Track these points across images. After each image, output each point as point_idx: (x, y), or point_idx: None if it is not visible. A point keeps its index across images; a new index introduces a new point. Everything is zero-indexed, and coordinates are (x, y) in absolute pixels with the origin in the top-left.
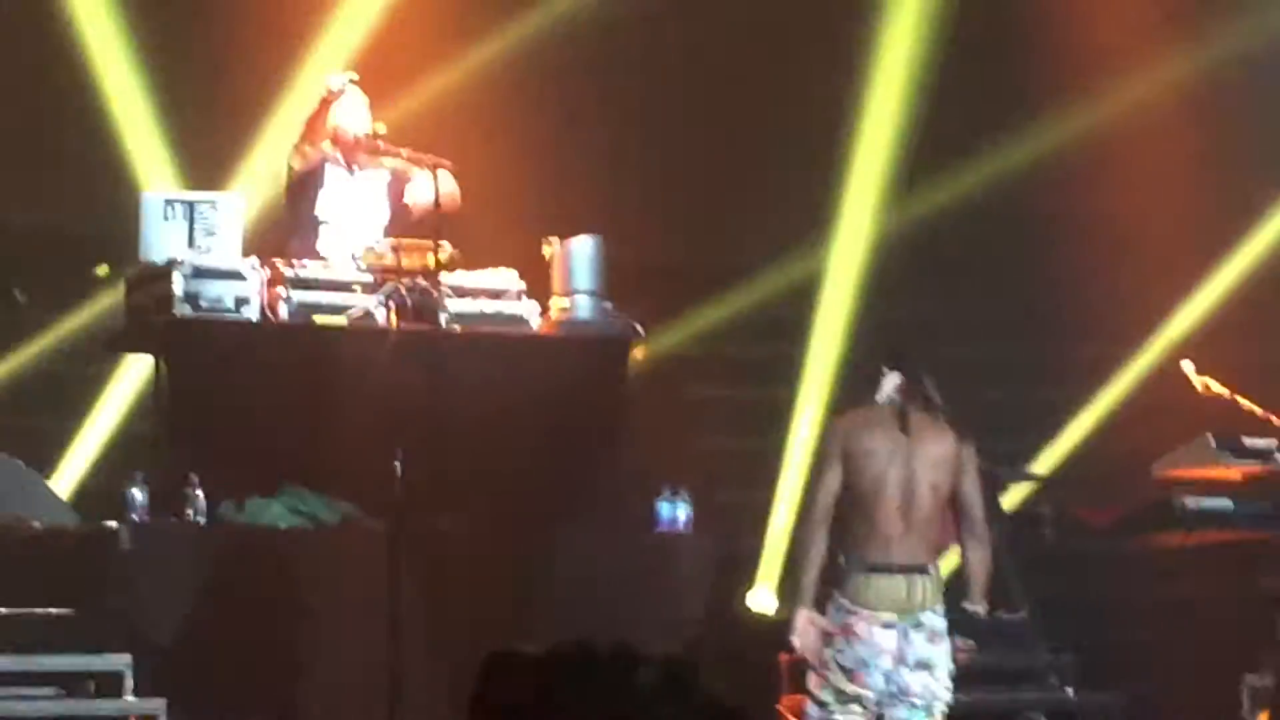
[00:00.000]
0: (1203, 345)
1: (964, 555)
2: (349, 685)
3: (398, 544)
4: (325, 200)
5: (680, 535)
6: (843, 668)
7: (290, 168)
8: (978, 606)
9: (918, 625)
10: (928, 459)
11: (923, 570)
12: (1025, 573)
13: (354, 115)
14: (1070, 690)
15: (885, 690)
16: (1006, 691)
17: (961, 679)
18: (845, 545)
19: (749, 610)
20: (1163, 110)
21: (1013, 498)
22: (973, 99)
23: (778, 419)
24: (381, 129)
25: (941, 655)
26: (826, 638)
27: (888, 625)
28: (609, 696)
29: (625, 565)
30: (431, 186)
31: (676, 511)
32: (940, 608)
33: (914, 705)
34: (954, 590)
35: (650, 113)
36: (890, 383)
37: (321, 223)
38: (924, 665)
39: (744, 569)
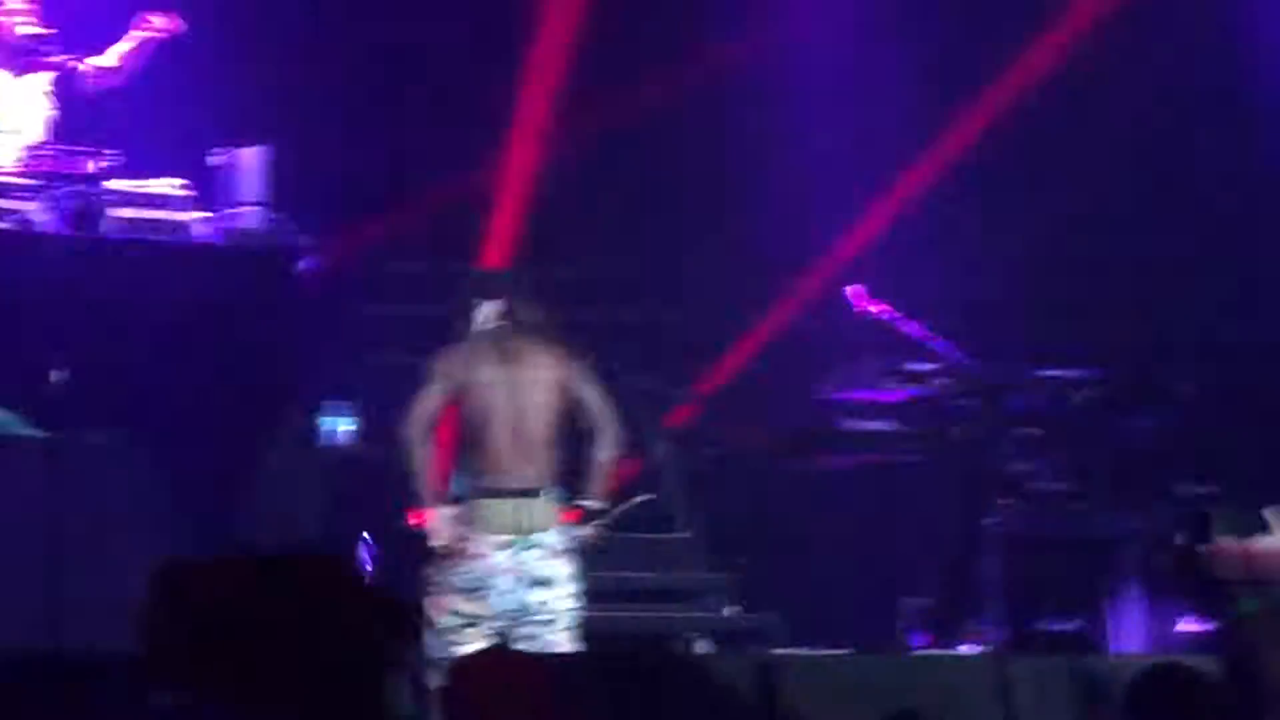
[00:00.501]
0: (867, 270)
1: (587, 454)
2: (9, 600)
3: (56, 458)
4: None
5: (343, 449)
6: (462, 590)
7: None
8: (593, 502)
9: (531, 546)
10: (534, 383)
11: (534, 493)
12: (687, 492)
13: (10, 16)
14: (730, 610)
15: (506, 610)
16: (666, 611)
17: (621, 597)
18: (461, 472)
19: (408, 527)
20: (828, 28)
21: (676, 418)
22: (643, 14)
23: (446, 335)
24: (49, 32)
25: (561, 571)
26: (446, 558)
27: (501, 547)
28: (280, 596)
29: (288, 480)
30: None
31: (340, 426)
32: (557, 527)
33: (538, 622)
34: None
35: (325, 22)
36: (486, 312)
37: None
38: (542, 583)
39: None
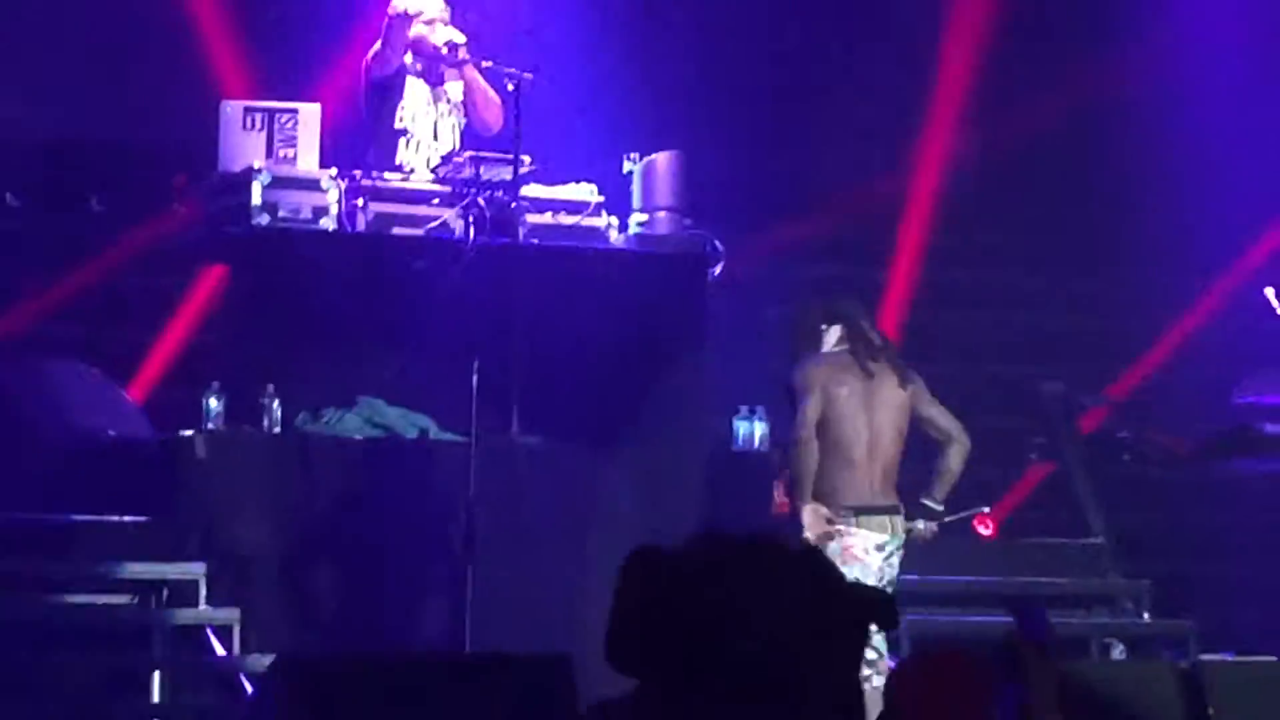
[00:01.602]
0: None
1: (940, 459)
2: (423, 599)
3: (474, 459)
4: (405, 111)
5: (758, 453)
6: None
7: (368, 77)
8: (933, 503)
9: (899, 548)
10: (888, 404)
11: (896, 510)
12: (1102, 498)
13: (435, 26)
14: (1147, 616)
15: None
16: (1082, 617)
17: (1037, 604)
18: (824, 495)
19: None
20: (1240, 31)
21: (1091, 423)
22: (1049, 24)
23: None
24: (461, 39)
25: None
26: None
27: (879, 547)
28: (752, 585)
29: (703, 484)
30: (499, 104)
31: (754, 429)
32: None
33: None
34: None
35: (735, 29)
36: (833, 336)
37: (401, 134)
38: (893, 583)
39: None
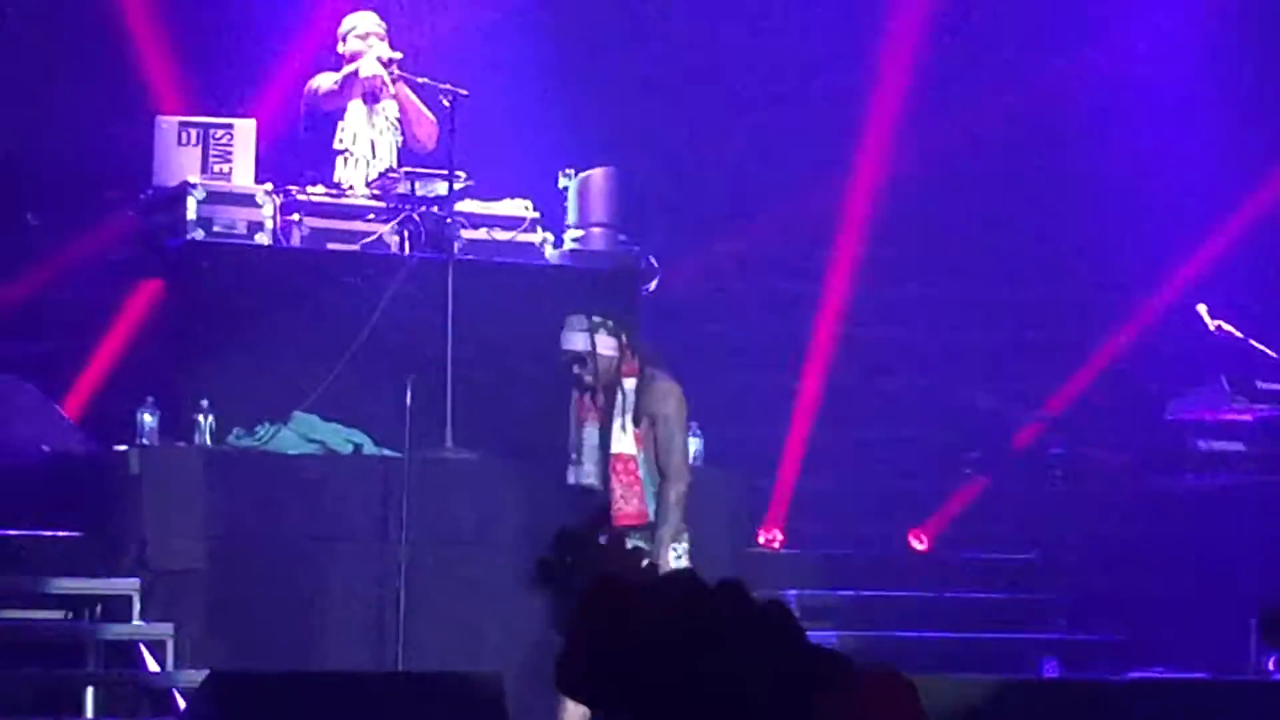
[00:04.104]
0: (1219, 287)
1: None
2: (357, 613)
3: (408, 474)
4: (345, 131)
5: (693, 469)
6: None
7: (312, 96)
8: None
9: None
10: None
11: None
12: (1035, 513)
13: (376, 45)
14: (1079, 632)
15: None
16: (1014, 632)
17: (968, 620)
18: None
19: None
20: (1176, 47)
21: (1025, 438)
22: (985, 36)
23: (791, 356)
24: (398, 56)
25: None
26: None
27: (679, 558)
28: (714, 631)
29: None
30: (433, 121)
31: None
32: None
33: None
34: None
35: (670, 46)
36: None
37: (340, 153)
38: None
39: (756, 505)
